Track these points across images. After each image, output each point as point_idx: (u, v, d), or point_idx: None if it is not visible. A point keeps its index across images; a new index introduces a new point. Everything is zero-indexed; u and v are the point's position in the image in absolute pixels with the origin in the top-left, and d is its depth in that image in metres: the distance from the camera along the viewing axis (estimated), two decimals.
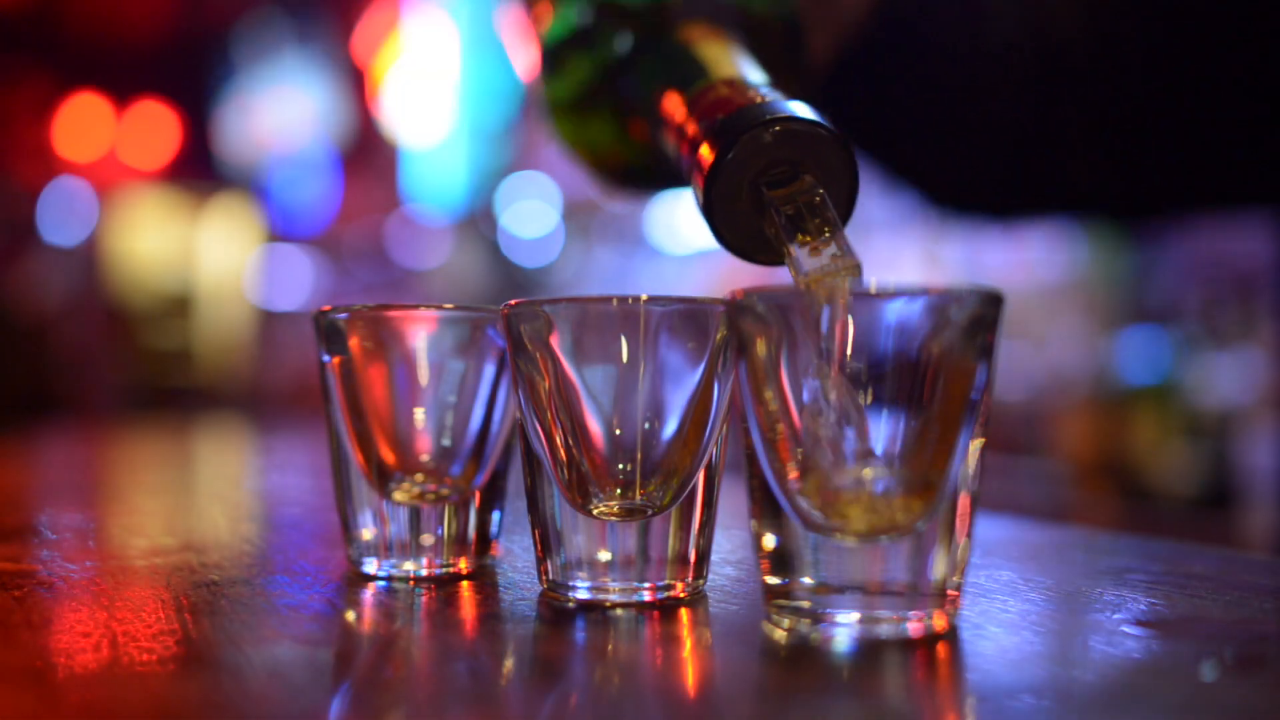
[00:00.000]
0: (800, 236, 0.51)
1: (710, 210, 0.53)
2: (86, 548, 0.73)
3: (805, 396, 0.46)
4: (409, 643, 0.48)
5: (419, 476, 0.59)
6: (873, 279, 0.46)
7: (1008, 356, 2.59)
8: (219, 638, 0.47)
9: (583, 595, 0.52)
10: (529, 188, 4.78)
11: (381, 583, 0.57)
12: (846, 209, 0.53)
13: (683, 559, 0.53)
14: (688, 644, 0.48)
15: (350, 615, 0.52)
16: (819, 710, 0.39)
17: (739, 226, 0.53)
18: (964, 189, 0.99)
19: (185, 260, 6.71)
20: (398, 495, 0.59)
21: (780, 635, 0.47)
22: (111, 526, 0.87)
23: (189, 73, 6.78)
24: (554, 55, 0.65)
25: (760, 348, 0.47)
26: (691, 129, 0.54)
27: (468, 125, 5.40)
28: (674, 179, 0.62)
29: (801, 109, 0.52)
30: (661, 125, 0.59)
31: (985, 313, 0.45)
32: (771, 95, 0.53)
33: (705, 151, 0.52)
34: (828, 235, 0.50)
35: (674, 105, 0.57)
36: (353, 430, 0.59)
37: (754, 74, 0.57)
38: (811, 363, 0.45)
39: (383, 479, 0.59)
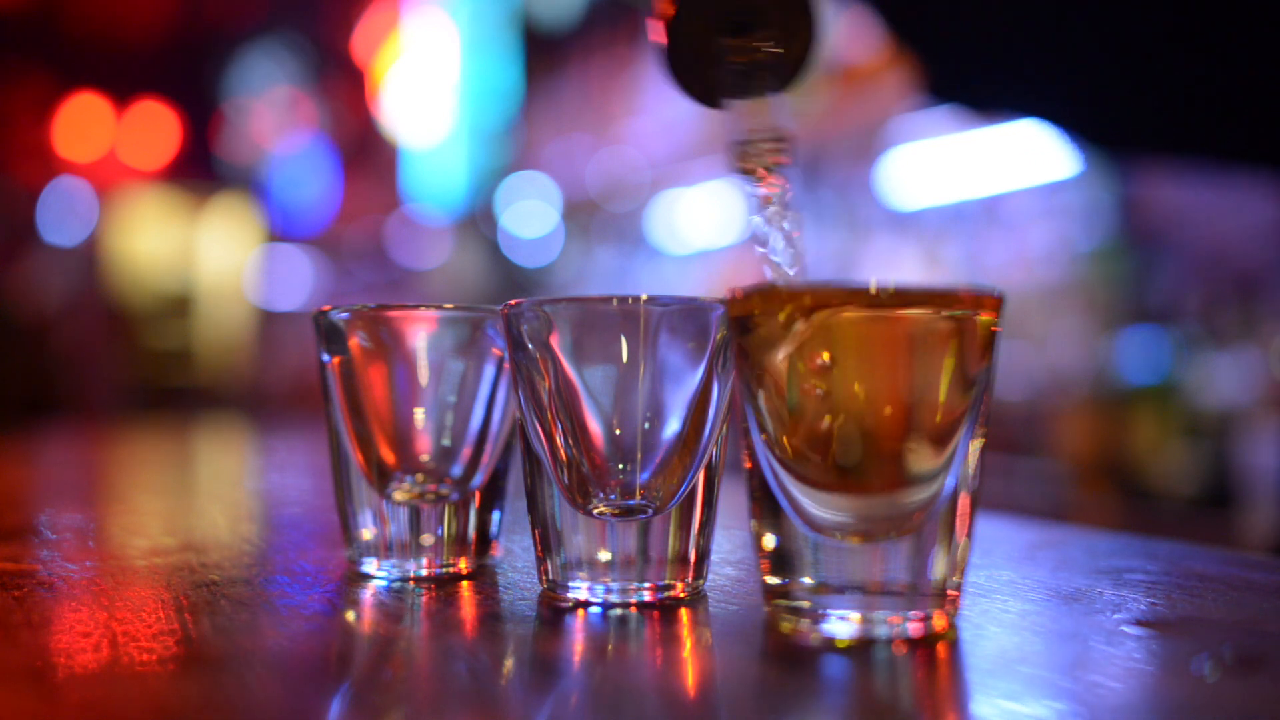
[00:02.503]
0: (740, 97, 0.52)
1: (669, 51, 0.54)
2: (86, 548, 0.73)
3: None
4: (409, 643, 0.48)
5: (419, 476, 0.59)
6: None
7: (1008, 356, 2.59)
8: (219, 638, 0.47)
9: (583, 595, 0.52)
10: (529, 188, 4.78)
11: (381, 583, 0.57)
12: (802, 63, 0.54)
13: (683, 559, 0.53)
14: (688, 644, 0.48)
15: (350, 615, 0.52)
16: (819, 710, 0.39)
17: (696, 72, 0.55)
18: (962, 73, 1.00)
19: (185, 260, 6.71)
20: (398, 495, 0.59)
21: (780, 635, 0.47)
22: (111, 526, 0.87)
23: (189, 73, 6.78)
24: None
25: None
26: None
27: (468, 125, 5.40)
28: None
29: None
30: None
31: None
32: None
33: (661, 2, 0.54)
34: (765, 102, 0.52)
35: None
36: (353, 430, 0.59)
37: None
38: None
39: (383, 479, 0.59)
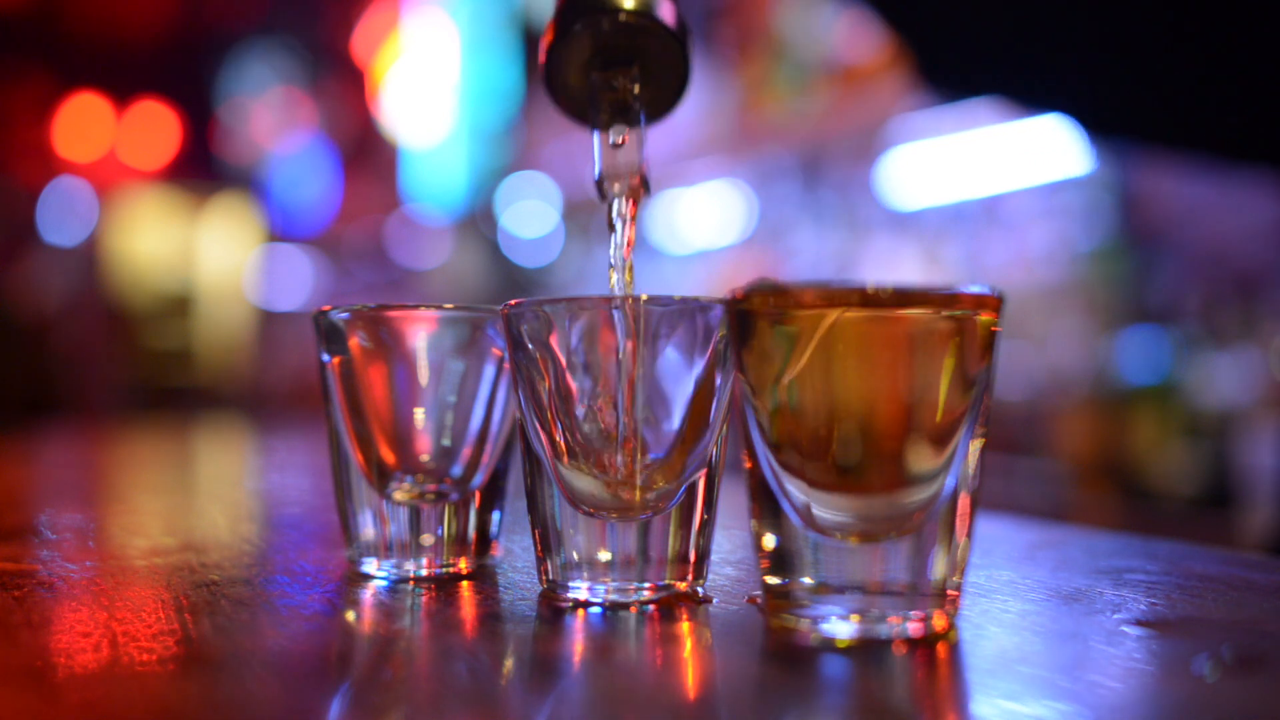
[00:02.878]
0: (604, 131, 0.56)
1: (547, 78, 0.57)
2: (86, 548, 0.73)
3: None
4: (409, 643, 0.48)
5: (419, 476, 0.59)
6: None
7: (1008, 356, 2.59)
8: (219, 638, 0.47)
9: (583, 595, 0.52)
10: (529, 188, 4.78)
11: (381, 583, 0.57)
12: (672, 101, 0.58)
13: (683, 559, 0.53)
14: (688, 644, 0.48)
15: (350, 615, 0.52)
16: (819, 710, 0.39)
17: (572, 95, 0.58)
18: (954, 59, 1.00)
19: (185, 260, 6.71)
20: (398, 495, 0.59)
21: (780, 635, 0.47)
22: (111, 526, 0.87)
23: (189, 73, 6.78)
24: None
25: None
26: None
27: (468, 125, 5.40)
28: None
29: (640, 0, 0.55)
30: None
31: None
32: None
33: (550, 26, 0.57)
34: (626, 138, 0.55)
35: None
36: (353, 430, 0.59)
37: None
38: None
39: (383, 479, 0.59)
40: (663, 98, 0.58)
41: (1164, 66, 0.91)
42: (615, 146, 0.56)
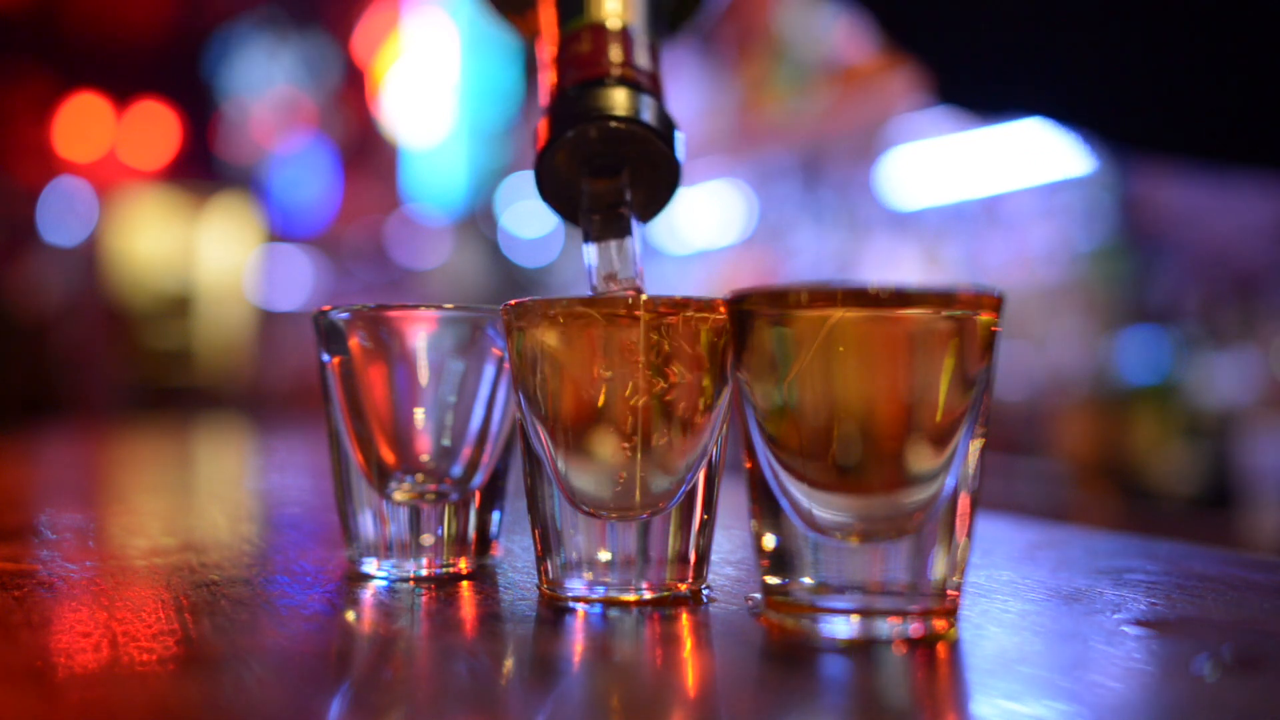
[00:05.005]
0: (595, 239, 0.57)
1: (538, 180, 0.58)
2: (86, 548, 0.73)
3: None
4: (409, 643, 0.48)
5: (419, 476, 0.59)
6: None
7: (1008, 356, 2.59)
8: (219, 638, 0.47)
9: (583, 595, 0.52)
10: (529, 188, 4.78)
11: (381, 583, 0.57)
12: (662, 203, 0.59)
13: (683, 559, 0.53)
14: (688, 644, 0.48)
15: (350, 615, 0.52)
16: (819, 710, 0.39)
17: (562, 196, 0.59)
18: (971, 78, 1.00)
19: (185, 260, 6.71)
20: (398, 495, 0.59)
21: (780, 635, 0.47)
22: (111, 526, 0.87)
23: (189, 73, 6.78)
24: None
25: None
26: (548, 80, 0.59)
27: (468, 125, 5.40)
28: None
29: (626, 103, 0.56)
30: (538, 42, 0.62)
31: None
32: (620, 67, 0.57)
33: (541, 127, 0.57)
34: (617, 250, 0.56)
35: (548, 30, 0.60)
36: (353, 430, 0.59)
37: (623, 16, 0.59)
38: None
39: (383, 479, 0.59)
40: (655, 199, 0.59)
41: (1175, 76, 0.91)
42: (610, 266, 0.57)
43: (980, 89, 1.02)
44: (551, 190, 0.58)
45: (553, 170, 0.57)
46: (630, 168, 0.57)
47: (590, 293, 0.57)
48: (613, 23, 0.58)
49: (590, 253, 0.57)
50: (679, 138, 0.58)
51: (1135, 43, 0.92)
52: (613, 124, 0.56)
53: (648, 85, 0.57)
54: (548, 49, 0.60)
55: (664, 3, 0.65)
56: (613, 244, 0.57)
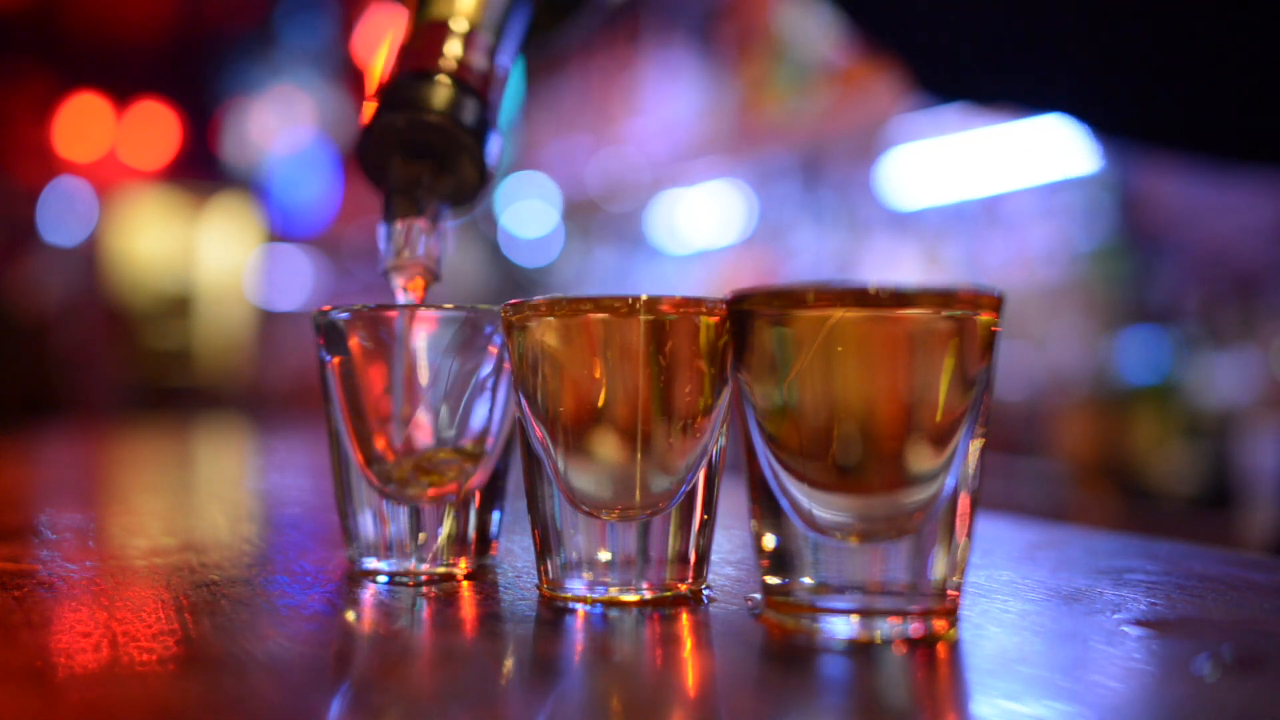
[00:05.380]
0: (389, 219, 0.60)
1: (359, 155, 0.62)
2: (86, 548, 0.73)
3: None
4: (409, 643, 0.48)
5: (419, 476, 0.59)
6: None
7: (1008, 356, 2.59)
8: (219, 638, 0.47)
9: (582, 595, 0.52)
10: (529, 188, 4.78)
11: (381, 583, 0.57)
12: (469, 197, 0.63)
13: (683, 559, 0.53)
14: (688, 644, 0.48)
15: (350, 615, 0.52)
16: (819, 710, 0.39)
17: (378, 174, 0.62)
18: (948, 68, 1.00)
19: (185, 260, 6.71)
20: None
21: (780, 635, 0.47)
22: (111, 526, 0.87)
23: (189, 73, 6.78)
24: None
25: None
26: (385, 65, 0.63)
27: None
28: None
29: (441, 99, 0.60)
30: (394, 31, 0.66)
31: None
32: (452, 64, 0.61)
33: (366, 107, 0.62)
34: (410, 228, 0.60)
35: (406, 21, 0.65)
36: (353, 430, 0.59)
37: (471, 18, 0.63)
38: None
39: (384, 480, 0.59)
40: (462, 192, 0.63)
41: (1163, 66, 0.91)
42: (400, 245, 0.60)
43: (956, 78, 1.02)
44: (370, 166, 0.62)
45: (368, 149, 0.61)
46: (439, 158, 0.61)
47: (381, 271, 0.60)
48: (457, 23, 0.63)
49: (383, 230, 0.61)
50: (493, 137, 0.62)
51: (1110, 29, 0.91)
52: (422, 117, 0.60)
53: (476, 85, 0.61)
54: (399, 38, 0.64)
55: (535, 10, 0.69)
56: (405, 224, 0.60)
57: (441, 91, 0.60)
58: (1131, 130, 1.05)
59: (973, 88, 1.06)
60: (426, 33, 0.63)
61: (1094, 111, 1.02)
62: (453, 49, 0.62)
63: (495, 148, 0.62)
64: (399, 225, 0.60)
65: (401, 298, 0.62)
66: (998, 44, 0.96)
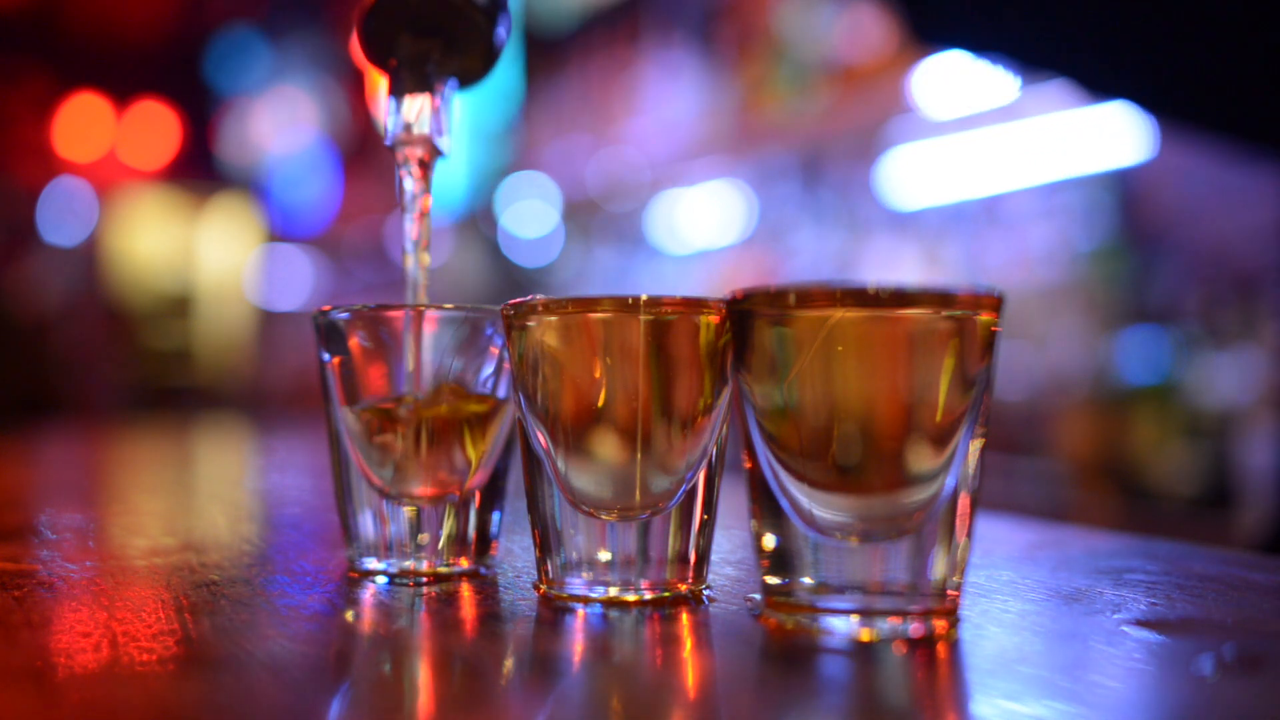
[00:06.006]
0: (397, 94, 0.59)
1: (362, 30, 0.60)
2: (86, 548, 0.73)
3: None
4: (409, 643, 0.48)
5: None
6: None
7: (1008, 356, 2.59)
8: (219, 638, 0.47)
9: (582, 595, 0.52)
10: (529, 188, 4.78)
11: (381, 583, 0.57)
12: (479, 75, 0.62)
13: (683, 559, 0.53)
14: (688, 644, 0.48)
15: (350, 615, 0.52)
16: (819, 710, 0.39)
17: (381, 53, 0.61)
18: (944, 14, 0.99)
19: (185, 260, 6.71)
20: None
21: (780, 635, 0.47)
22: (111, 526, 0.87)
23: (189, 73, 6.78)
24: None
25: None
26: None
27: (468, 125, 5.39)
28: None
29: None
30: None
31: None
32: None
33: None
34: (416, 103, 0.59)
35: None
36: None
37: None
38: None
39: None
40: (471, 70, 0.62)
41: (1166, 26, 0.90)
42: (407, 119, 0.59)
43: (951, 24, 1.01)
44: (377, 42, 0.61)
45: (375, 24, 0.60)
46: (446, 33, 0.60)
47: (388, 144, 0.60)
48: None
49: (390, 105, 0.60)
50: (503, 17, 0.60)
51: None
52: None
53: None
54: None
55: None
56: (413, 99, 0.59)
57: None
58: (1128, 90, 1.04)
59: (968, 34, 1.05)
60: None
61: (1090, 68, 1.01)
62: None
63: (505, 28, 0.61)
64: (407, 100, 0.59)
65: (407, 176, 0.61)
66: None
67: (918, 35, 1.04)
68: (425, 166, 0.61)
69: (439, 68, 0.60)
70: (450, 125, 0.60)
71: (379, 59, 0.61)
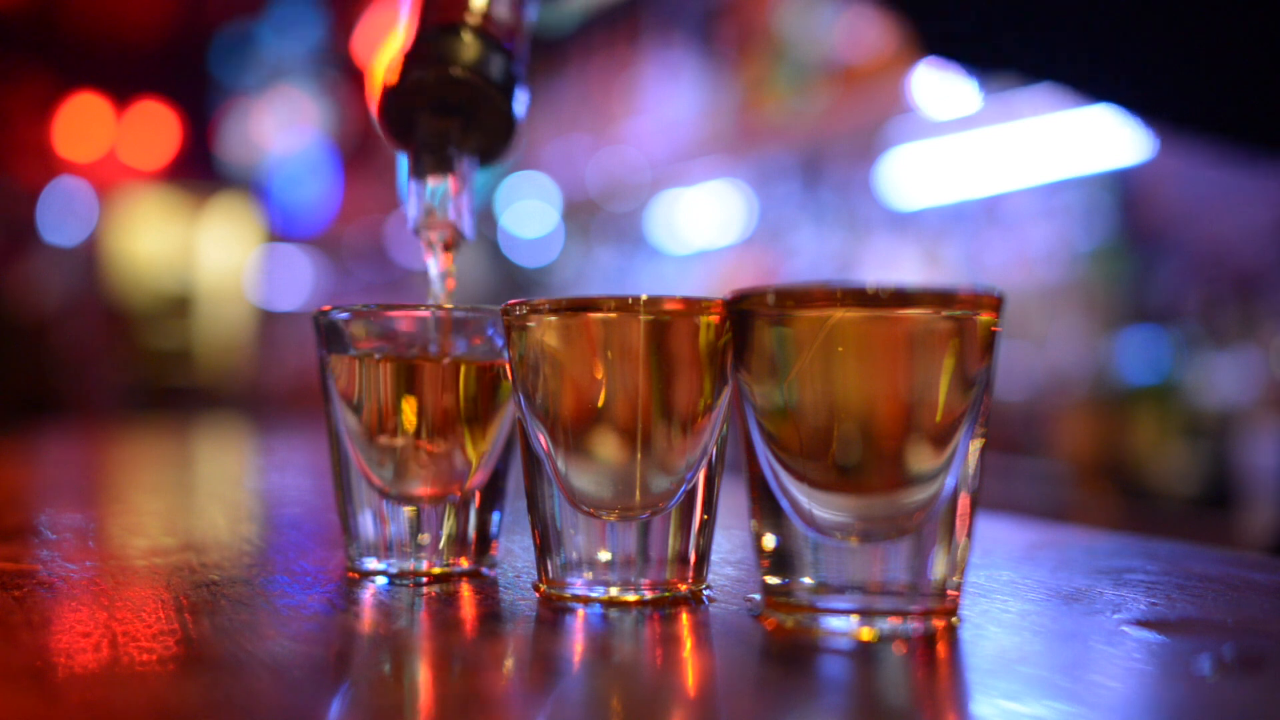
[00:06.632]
0: (419, 177, 0.60)
1: (383, 111, 0.61)
2: (86, 548, 0.73)
3: None
4: (409, 643, 0.48)
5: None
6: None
7: (1008, 356, 2.59)
8: (219, 638, 0.47)
9: (582, 595, 0.52)
10: (529, 188, 4.78)
11: (381, 583, 0.57)
12: (499, 154, 0.62)
13: (683, 559, 0.53)
14: (688, 644, 0.48)
15: (350, 615, 0.52)
16: (819, 710, 0.39)
17: (403, 132, 0.62)
18: (953, 30, 0.99)
19: (185, 260, 6.71)
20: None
21: (780, 635, 0.47)
22: (111, 526, 0.87)
23: (189, 73, 6.78)
24: None
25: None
26: (410, 20, 0.62)
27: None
28: None
29: (470, 54, 0.59)
30: None
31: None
32: (478, 17, 0.60)
33: (394, 62, 0.61)
34: (438, 187, 0.59)
35: None
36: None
37: None
38: None
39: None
40: (491, 149, 0.62)
41: (1171, 36, 0.90)
42: (431, 196, 0.60)
43: (961, 40, 1.01)
44: (397, 124, 0.61)
45: (396, 107, 0.61)
46: (466, 114, 0.60)
47: (411, 228, 0.60)
48: None
49: (413, 188, 0.60)
50: (520, 91, 0.61)
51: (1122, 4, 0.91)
52: (450, 72, 0.59)
53: (501, 37, 0.61)
54: None
55: None
56: (434, 181, 0.60)
57: (469, 46, 0.60)
58: (1137, 104, 1.04)
59: (977, 51, 1.05)
60: None
61: (1099, 82, 1.00)
62: (478, 2, 0.61)
63: (523, 101, 0.61)
64: (429, 183, 0.60)
65: (430, 258, 0.61)
66: (1003, 6, 0.95)
67: (926, 49, 1.04)
68: (449, 249, 0.62)
69: (459, 147, 0.60)
70: (472, 206, 0.61)
71: (400, 141, 0.62)
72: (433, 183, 0.60)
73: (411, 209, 0.60)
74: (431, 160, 0.60)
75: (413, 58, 0.60)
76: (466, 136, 0.61)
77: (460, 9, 0.61)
